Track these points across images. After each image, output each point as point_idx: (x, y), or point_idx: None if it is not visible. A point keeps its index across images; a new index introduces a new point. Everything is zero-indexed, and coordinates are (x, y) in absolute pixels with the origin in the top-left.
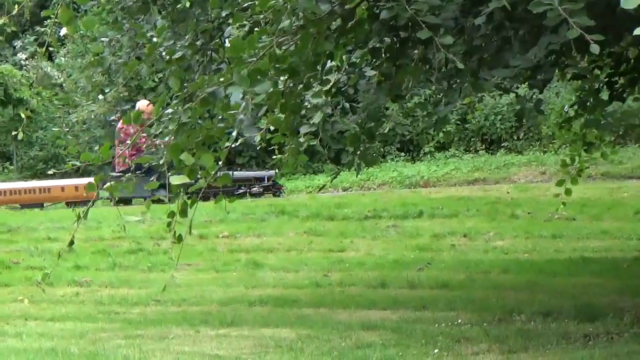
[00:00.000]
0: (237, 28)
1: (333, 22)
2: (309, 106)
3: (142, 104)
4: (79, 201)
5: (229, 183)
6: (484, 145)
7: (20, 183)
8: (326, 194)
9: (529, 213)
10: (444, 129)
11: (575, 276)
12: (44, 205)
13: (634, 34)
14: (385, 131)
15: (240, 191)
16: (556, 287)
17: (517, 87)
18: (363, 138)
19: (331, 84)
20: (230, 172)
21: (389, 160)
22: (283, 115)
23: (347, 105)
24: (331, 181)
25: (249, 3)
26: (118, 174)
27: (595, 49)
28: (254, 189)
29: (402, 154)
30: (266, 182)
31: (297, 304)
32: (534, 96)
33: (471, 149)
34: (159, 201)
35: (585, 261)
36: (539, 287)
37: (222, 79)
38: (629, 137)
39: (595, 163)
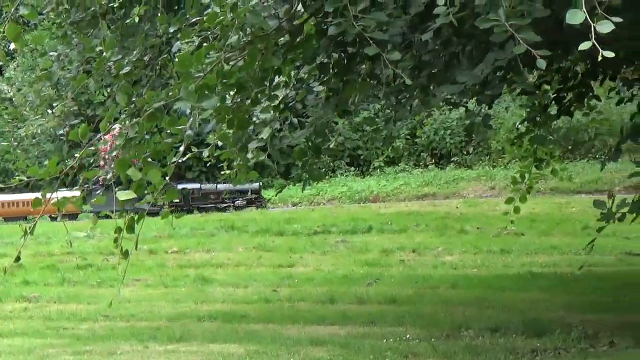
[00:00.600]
0: (186, 43)
1: (281, 38)
2: (257, 121)
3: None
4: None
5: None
6: (433, 160)
7: (3, 196)
8: (276, 209)
9: (478, 228)
10: (393, 144)
11: (523, 291)
12: (27, 218)
13: (579, 48)
14: (332, 146)
15: (224, 204)
16: (504, 303)
17: (467, 102)
18: (310, 153)
19: (279, 99)
20: (199, 185)
21: (338, 175)
22: (231, 131)
23: (295, 120)
24: (276, 195)
25: (197, 19)
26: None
27: (541, 64)
28: (238, 201)
29: (352, 168)
30: (249, 195)
31: (246, 320)
32: (482, 111)
33: (421, 163)
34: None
35: (533, 276)
36: (487, 302)
37: (170, 94)
38: (578, 152)
39: (544, 179)
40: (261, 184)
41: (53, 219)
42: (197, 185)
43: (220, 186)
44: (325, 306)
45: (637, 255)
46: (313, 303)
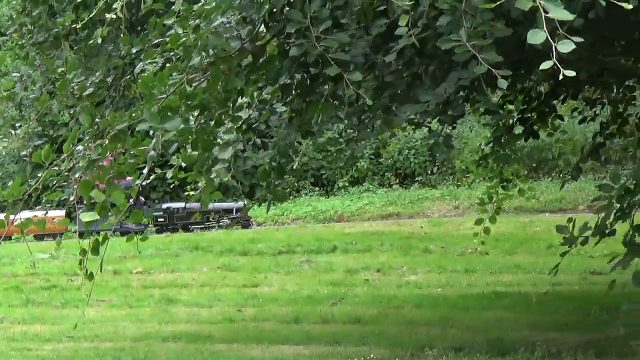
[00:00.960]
0: (150, 63)
1: (244, 59)
2: (220, 142)
3: None
4: (47, 234)
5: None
6: (397, 180)
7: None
8: (240, 229)
9: (442, 247)
10: (357, 164)
11: (487, 310)
12: (11, 237)
13: (541, 68)
14: (296, 167)
15: (209, 223)
16: (468, 322)
17: (430, 122)
18: (274, 174)
19: (242, 120)
20: (183, 204)
21: (303, 195)
22: (195, 152)
23: (258, 141)
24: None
25: (160, 40)
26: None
27: (502, 83)
28: (223, 220)
29: (316, 188)
30: (234, 214)
31: (211, 340)
32: (444, 131)
33: (385, 183)
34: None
35: (497, 296)
36: (451, 321)
37: (133, 115)
38: (542, 171)
39: (511, 198)
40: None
41: (39, 238)
42: (181, 204)
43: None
44: (289, 326)
45: (600, 274)
46: (277, 323)
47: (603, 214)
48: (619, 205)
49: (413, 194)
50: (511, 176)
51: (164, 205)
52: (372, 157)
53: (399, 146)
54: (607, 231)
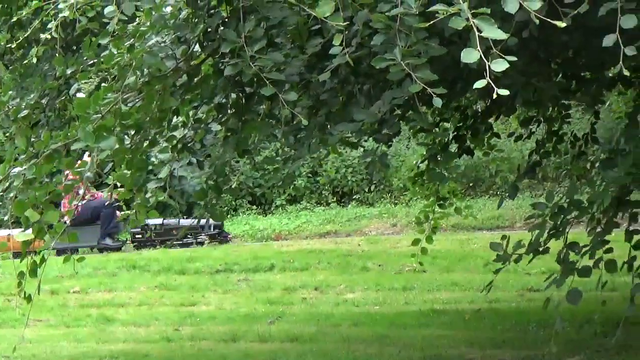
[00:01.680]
0: (85, 83)
1: (178, 79)
2: (156, 162)
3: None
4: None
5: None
6: (335, 198)
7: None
8: (177, 248)
9: (379, 265)
10: (295, 183)
11: (425, 328)
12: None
13: (474, 86)
14: (234, 186)
15: (186, 239)
16: (406, 340)
17: (366, 140)
18: (210, 193)
19: (177, 139)
20: (161, 221)
21: (240, 214)
22: (129, 172)
23: (194, 160)
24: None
25: (95, 60)
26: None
27: (437, 102)
28: (200, 237)
29: (254, 207)
30: (212, 230)
31: (148, 359)
32: (379, 149)
33: (322, 201)
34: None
35: (435, 313)
36: (388, 339)
37: (68, 135)
38: (479, 189)
39: (447, 217)
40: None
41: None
42: (159, 221)
43: (183, 221)
44: (227, 345)
45: (537, 291)
46: (215, 342)
47: (537, 232)
48: (552, 223)
49: (351, 212)
50: (448, 194)
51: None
52: (310, 175)
53: (337, 164)
54: (540, 249)
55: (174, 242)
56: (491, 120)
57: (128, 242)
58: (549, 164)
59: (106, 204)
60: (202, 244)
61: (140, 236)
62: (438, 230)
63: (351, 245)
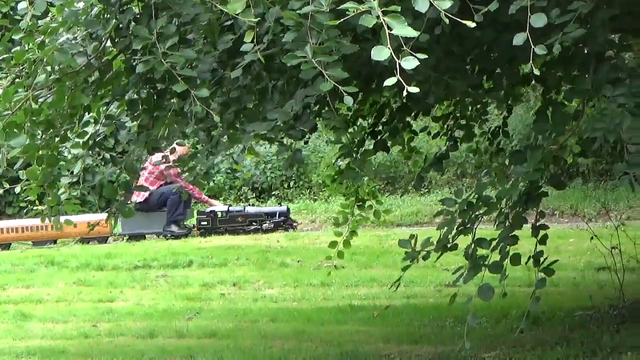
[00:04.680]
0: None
1: (90, 75)
2: (69, 157)
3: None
4: (93, 237)
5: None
6: (254, 194)
7: (31, 220)
8: (96, 244)
9: (298, 261)
10: (214, 179)
11: (342, 324)
12: (56, 241)
13: (384, 84)
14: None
15: (252, 227)
16: (323, 336)
17: (283, 137)
18: (120, 189)
19: (88, 135)
20: (226, 208)
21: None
22: (40, 168)
23: (107, 156)
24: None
25: (5, 56)
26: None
27: (348, 100)
28: (265, 224)
29: None
30: (277, 218)
31: (65, 355)
32: (294, 146)
33: (242, 198)
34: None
35: (353, 309)
36: (306, 335)
37: None
38: (398, 186)
39: (367, 221)
40: (289, 207)
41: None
42: (224, 208)
43: (249, 209)
44: (145, 341)
45: (455, 287)
46: (133, 338)
47: (445, 229)
48: (460, 220)
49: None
50: (367, 196)
51: (208, 209)
52: (229, 171)
53: (255, 160)
54: (449, 245)
55: (240, 230)
56: (409, 119)
57: (194, 229)
58: (468, 160)
59: (173, 190)
60: (268, 231)
61: (205, 223)
62: (356, 233)
63: (270, 241)
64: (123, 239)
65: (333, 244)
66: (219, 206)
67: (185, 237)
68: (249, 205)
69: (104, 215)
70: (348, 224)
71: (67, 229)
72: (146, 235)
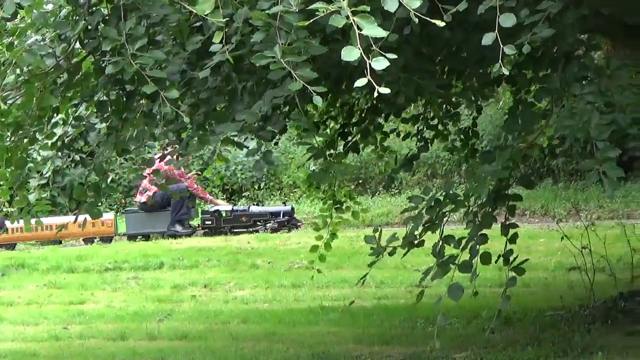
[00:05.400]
0: None
1: (59, 77)
2: (38, 159)
3: None
4: (96, 237)
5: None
6: (225, 196)
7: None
8: (67, 246)
9: (269, 263)
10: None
11: (314, 325)
12: (62, 242)
13: (355, 85)
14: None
15: (257, 227)
16: (295, 337)
17: (252, 139)
18: (89, 191)
19: (56, 137)
20: (231, 207)
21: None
22: (9, 170)
23: (77, 157)
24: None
25: None
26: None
27: (318, 100)
28: (269, 224)
29: None
30: (282, 217)
31: (36, 358)
32: (264, 147)
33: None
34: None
35: (324, 310)
36: (277, 336)
37: None
38: (368, 187)
39: (346, 224)
40: (293, 206)
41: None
42: (229, 207)
43: (253, 208)
44: (115, 343)
45: (426, 287)
46: (104, 340)
47: (412, 225)
48: (428, 217)
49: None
50: (344, 198)
51: (212, 209)
52: (199, 173)
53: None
54: (416, 242)
55: (243, 229)
56: (379, 119)
57: (198, 228)
58: (439, 161)
59: (176, 191)
60: (273, 230)
61: (210, 222)
62: (328, 227)
63: (240, 242)
64: (127, 238)
65: (314, 248)
66: (223, 205)
67: (189, 237)
68: (254, 204)
69: (111, 215)
70: (328, 227)
71: (72, 228)
72: (150, 235)
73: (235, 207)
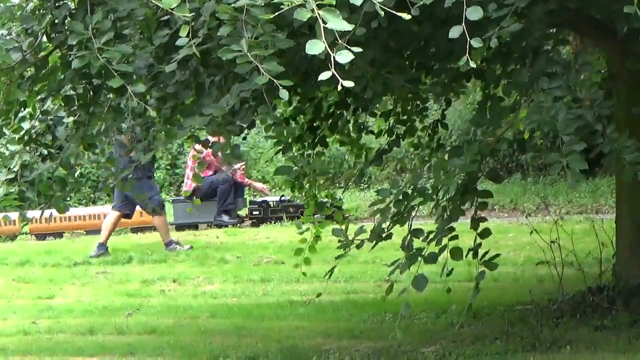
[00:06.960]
0: None
1: (26, 71)
2: (6, 153)
3: None
4: (145, 227)
5: None
6: None
7: (85, 209)
8: (36, 241)
9: (238, 257)
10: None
11: (282, 319)
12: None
13: (319, 78)
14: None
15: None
16: (263, 331)
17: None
18: (55, 185)
19: (24, 131)
20: (279, 198)
21: (99, 206)
22: None
23: (45, 152)
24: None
25: None
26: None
27: (284, 94)
28: (316, 215)
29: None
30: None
31: (4, 352)
32: (231, 141)
33: (181, 193)
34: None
35: (292, 304)
36: (246, 331)
37: None
38: (337, 181)
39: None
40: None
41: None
42: (276, 198)
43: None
44: (84, 337)
45: (395, 282)
46: (72, 334)
47: (379, 217)
48: (395, 210)
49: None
50: (326, 197)
51: (260, 199)
52: (169, 167)
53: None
54: (384, 235)
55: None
56: (347, 114)
57: (247, 219)
58: (407, 156)
59: (223, 179)
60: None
61: (257, 213)
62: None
63: (209, 237)
64: (175, 228)
65: (298, 251)
66: (270, 196)
67: (236, 226)
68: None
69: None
70: (311, 230)
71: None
72: (197, 225)
73: (283, 198)
